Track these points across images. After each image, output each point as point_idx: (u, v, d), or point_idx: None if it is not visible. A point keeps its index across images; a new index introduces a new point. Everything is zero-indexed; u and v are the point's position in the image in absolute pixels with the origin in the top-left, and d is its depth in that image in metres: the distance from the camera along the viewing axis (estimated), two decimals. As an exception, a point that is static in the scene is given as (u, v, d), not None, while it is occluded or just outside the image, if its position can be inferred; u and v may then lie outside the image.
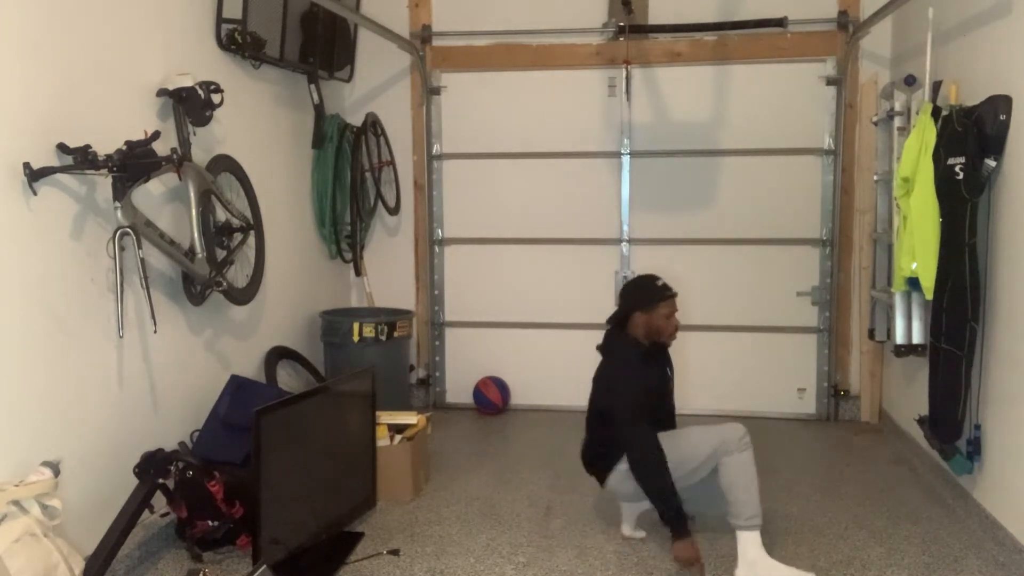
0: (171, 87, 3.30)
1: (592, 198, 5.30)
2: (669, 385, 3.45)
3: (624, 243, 5.29)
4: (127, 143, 2.81)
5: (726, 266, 5.23)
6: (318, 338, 4.86)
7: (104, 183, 2.86)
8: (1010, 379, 3.21)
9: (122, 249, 2.89)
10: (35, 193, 2.60)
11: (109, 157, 2.72)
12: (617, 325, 3.37)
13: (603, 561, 3.21)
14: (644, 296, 3.28)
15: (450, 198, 5.45)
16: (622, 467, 3.18)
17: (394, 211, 5.36)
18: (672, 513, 2.99)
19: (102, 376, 2.98)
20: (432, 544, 3.36)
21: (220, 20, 3.76)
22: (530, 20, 5.20)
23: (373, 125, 5.18)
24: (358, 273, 5.36)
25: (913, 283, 3.71)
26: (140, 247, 2.87)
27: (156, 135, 2.90)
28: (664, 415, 3.40)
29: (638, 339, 3.28)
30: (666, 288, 3.27)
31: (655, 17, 5.08)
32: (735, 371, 5.30)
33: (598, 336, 3.46)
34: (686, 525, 3.00)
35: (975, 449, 3.44)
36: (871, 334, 4.69)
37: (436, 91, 5.36)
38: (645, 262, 5.27)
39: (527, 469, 4.26)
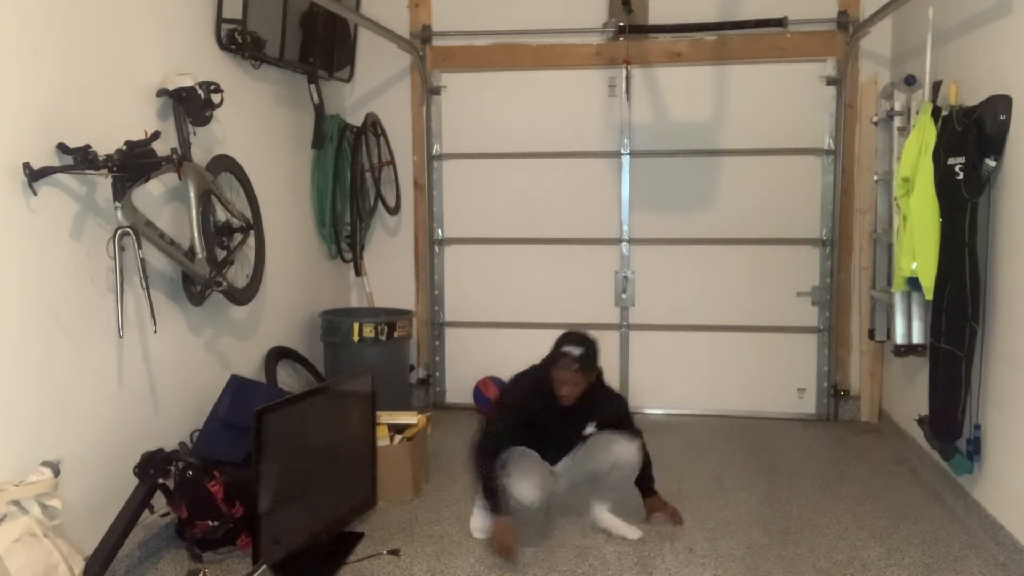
0: (171, 87, 3.29)
1: (592, 198, 5.30)
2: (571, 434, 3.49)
3: (624, 243, 5.29)
4: (127, 143, 2.80)
5: (726, 266, 5.23)
6: (318, 338, 4.86)
7: (104, 183, 2.86)
8: (1010, 379, 3.21)
9: (122, 249, 2.89)
10: (35, 193, 2.60)
11: (109, 157, 2.71)
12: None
13: (603, 561, 3.21)
14: (551, 353, 3.32)
15: (450, 198, 5.45)
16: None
17: (394, 211, 5.36)
18: (488, 499, 3.25)
19: (102, 376, 2.98)
20: (432, 544, 3.36)
21: (220, 20, 3.76)
22: (530, 20, 5.20)
23: (373, 125, 5.18)
24: (358, 273, 5.36)
25: (913, 283, 3.71)
26: (140, 247, 2.87)
27: (156, 135, 2.90)
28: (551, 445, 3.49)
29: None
30: (568, 359, 3.22)
31: (655, 17, 5.08)
32: (735, 371, 5.30)
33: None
34: (502, 512, 3.21)
35: (975, 449, 3.44)
36: (871, 334, 4.69)
37: (436, 91, 5.36)
38: (645, 262, 5.28)
39: (527, 469, 4.25)
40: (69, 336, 2.78)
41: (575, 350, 3.25)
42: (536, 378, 3.37)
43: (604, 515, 3.48)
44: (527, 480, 3.30)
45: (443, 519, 3.61)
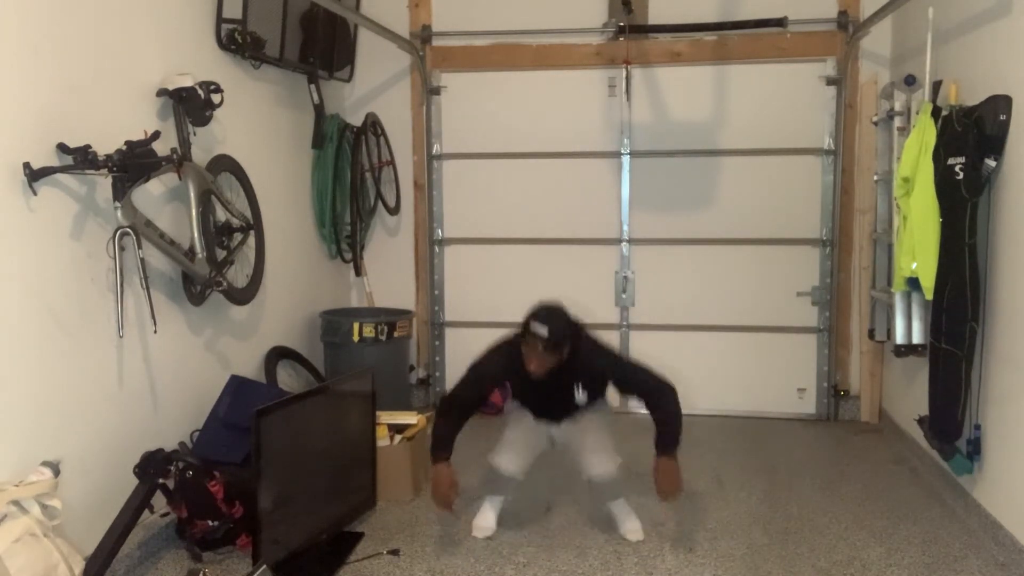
0: (171, 87, 3.29)
1: (592, 198, 5.30)
2: (559, 398, 3.44)
3: (624, 243, 5.29)
4: (127, 143, 2.81)
5: (726, 266, 5.23)
6: (318, 338, 4.86)
7: (104, 183, 2.86)
8: (1010, 379, 3.21)
9: (122, 249, 2.89)
10: (35, 193, 2.60)
11: (109, 157, 2.72)
12: None
13: (603, 561, 3.21)
14: (521, 325, 3.22)
15: (450, 198, 5.45)
16: None
17: (394, 211, 5.36)
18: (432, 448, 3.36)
19: (102, 376, 2.98)
20: (432, 544, 3.36)
21: (220, 20, 3.76)
22: (530, 20, 5.20)
23: (373, 125, 5.18)
24: (358, 273, 5.36)
25: (913, 283, 3.71)
26: (140, 247, 2.87)
27: (156, 135, 2.90)
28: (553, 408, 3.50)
29: None
30: (534, 336, 3.13)
31: (655, 17, 5.08)
32: (735, 371, 5.30)
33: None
34: (440, 457, 3.30)
35: (975, 449, 3.44)
36: (871, 334, 4.69)
37: (436, 91, 5.36)
38: (645, 262, 5.29)
39: (527, 469, 4.25)
40: (69, 336, 2.78)
41: (541, 330, 3.13)
42: (509, 348, 3.36)
43: (615, 503, 3.44)
44: (510, 452, 3.45)
45: (443, 519, 3.61)
